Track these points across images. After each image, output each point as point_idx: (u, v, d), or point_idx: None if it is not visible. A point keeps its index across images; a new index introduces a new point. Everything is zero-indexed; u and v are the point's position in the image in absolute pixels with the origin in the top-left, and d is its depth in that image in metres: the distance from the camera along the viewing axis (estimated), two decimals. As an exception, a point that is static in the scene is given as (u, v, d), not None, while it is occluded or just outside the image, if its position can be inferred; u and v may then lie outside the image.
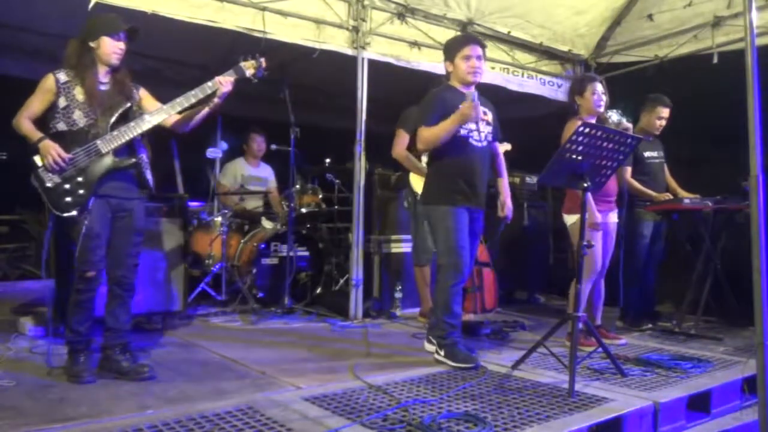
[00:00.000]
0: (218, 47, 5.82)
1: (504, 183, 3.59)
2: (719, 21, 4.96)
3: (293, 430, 2.23)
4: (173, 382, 2.85)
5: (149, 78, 5.58)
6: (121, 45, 2.95)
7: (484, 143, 3.40)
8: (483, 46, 3.41)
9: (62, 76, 2.91)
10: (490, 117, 3.45)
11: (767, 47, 4.04)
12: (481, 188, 3.39)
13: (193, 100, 2.98)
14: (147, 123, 2.95)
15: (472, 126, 3.31)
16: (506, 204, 3.53)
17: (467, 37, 3.65)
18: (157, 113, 2.96)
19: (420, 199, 3.59)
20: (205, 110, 3.07)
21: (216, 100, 3.03)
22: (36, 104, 2.90)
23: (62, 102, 2.89)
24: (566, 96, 5.77)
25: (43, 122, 2.92)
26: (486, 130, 3.41)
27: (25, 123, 2.88)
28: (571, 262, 3.90)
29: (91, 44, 2.92)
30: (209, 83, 3.00)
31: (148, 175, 3.10)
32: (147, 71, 5.73)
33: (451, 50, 3.42)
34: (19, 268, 6.35)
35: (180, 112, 3.03)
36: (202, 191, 5.47)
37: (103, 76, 2.98)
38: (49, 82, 2.90)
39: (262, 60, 3.13)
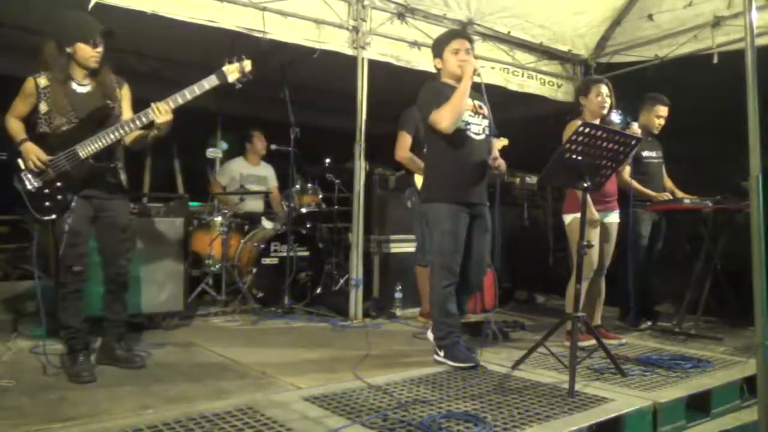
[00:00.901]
0: (218, 47, 5.81)
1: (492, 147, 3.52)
2: (719, 21, 4.96)
3: (293, 430, 2.23)
4: (173, 382, 2.84)
5: (149, 78, 5.60)
6: (99, 49, 2.92)
7: (482, 135, 3.38)
8: (470, 41, 3.40)
9: (42, 81, 2.90)
10: (485, 110, 3.41)
11: (767, 47, 4.04)
12: (482, 180, 3.36)
13: (139, 124, 2.92)
14: (123, 131, 2.91)
15: (469, 119, 3.30)
16: (496, 158, 3.40)
17: (454, 31, 3.61)
18: (129, 123, 2.91)
19: (419, 197, 3.56)
20: (149, 138, 3.02)
21: (154, 131, 2.95)
22: (20, 107, 2.92)
23: (43, 107, 2.88)
24: (566, 96, 5.80)
25: (28, 121, 2.94)
26: (483, 123, 3.39)
27: (13, 123, 2.90)
28: (570, 262, 3.89)
29: (68, 49, 2.89)
30: (145, 111, 2.90)
31: (123, 177, 3.12)
32: (147, 71, 5.73)
33: (439, 46, 3.40)
34: (19, 268, 6.34)
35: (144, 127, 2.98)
36: (202, 191, 5.47)
37: (82, 78, 2.97)
38: (29, 86, 2.90)
39: (247, 63, 3.03)
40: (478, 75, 3.20)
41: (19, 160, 2.86)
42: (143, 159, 6.37)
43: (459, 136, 3.26)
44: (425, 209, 3.39)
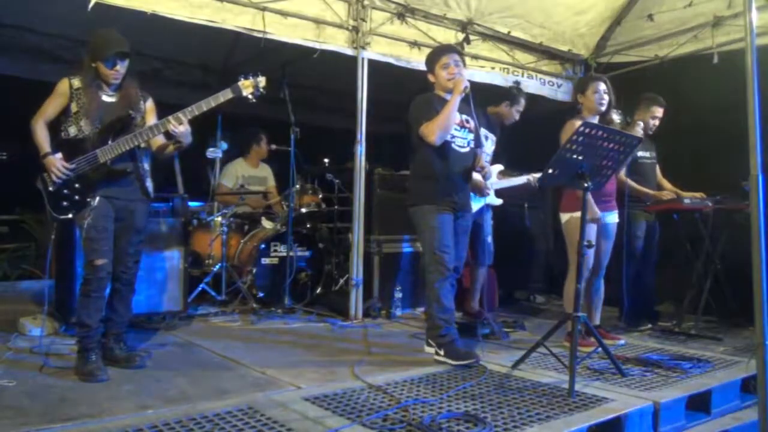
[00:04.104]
0: (218, 47, 5.82)
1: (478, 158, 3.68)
2: (719, 21, 4.96)
3: (293, 430, 2.23)
4: (173, 382, 2.84)
5: (149, 78, 5.60)
6: (117, 67, 3.06)
7: (467, 148, 3.56)
8: (460, 53, 3.58)
9: (76, 82, 3.06)
10: (472, 125, 3.58)
11: (767, 47, 4.04)
12: (464, 191, 3.56)
13: (157, 132, 3.07)
14: (141, 139, 3.05)
15: (455, 132, 3.47)
16: (483, 166, 3.66)
17: (443, 47, 3.80)
18: (148, 131, 3.06)
19: (405, 202, 3.63)
20: (173, 149, 3.19)
21: (177, 143, 3.10)
22: (51, 107, 3.05)
23: (74, 107, 3.04)
24: (566, 96, 5.80)
25: (56, 124, 3.06)
26: (468, 136, 3.56)
27: (39, 130, 3.02)
28: (566, 261, 3.87)
29: (93, 64, 3.06)
30: (162, 121, 3.05)
31: (148, 184, 3.22)
32: (147, 71, 5.73)
33: (430, 62, 3.58)
34: (19, 268, 6.34)
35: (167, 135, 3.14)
36: (202, 191, 5.46)
37: (108, 89, 3.12)
38: (63, 86, 3.05)
39: (262, 79, 3.17)
40: (468, 91, 3.36)
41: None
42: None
43: (443, 148, 3.44)
44: (412, 212, 3.52)
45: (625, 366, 3.16)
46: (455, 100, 3.35)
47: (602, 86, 3.72)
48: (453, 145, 3.48)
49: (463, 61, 3.56)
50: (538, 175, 4.27)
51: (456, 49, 3.61)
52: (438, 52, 3.59)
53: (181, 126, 3.01)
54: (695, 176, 4.78)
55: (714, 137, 4.79)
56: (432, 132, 3.35)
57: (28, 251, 6.59)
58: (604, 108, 3.72)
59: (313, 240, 5.30)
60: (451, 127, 3.42)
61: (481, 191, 4.13)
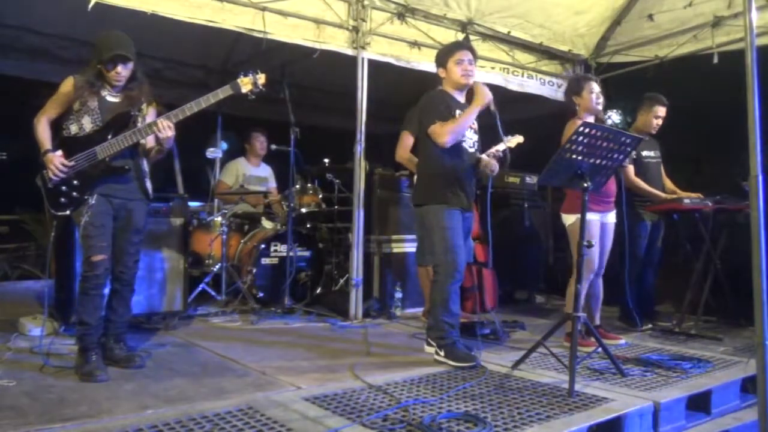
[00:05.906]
0: (218, 47, 5.83)
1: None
2: (719, 21, 4.96)
3: (293, 430, 2.23)
4: (173, 382, 2.84)
5: (149, 78, 5.59)
6: (118, 69, 3.06)
7: (473, 149, 3.54)
8: (474, 52, 3.54)
9: (80, 81, 3.06)
10: (476, 126, 3.56)
11: (767, 47, 4.04)
12: (470, 191, 3.51)
13: (149, 132, 3.06)
14: (140, 134, 3.05)
15: (465, 132, 3.43)
16: (489, 153, 3.57)
17: (458, 43, 3.79)
18: (139, 132, 3.06)
19: (412, 201, 3.62)
20: (156, 153, 3.19)
21: (162, 145, 3.11)
22: (54, 105, 3.07)
23: (76, 106, 3.05)
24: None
25: (59, 122, 3.08)
26: (474, 137, 3.55)
27: (41, 128, 3.04)
28: (570, 262, 3.87)
29: (98, 65, 3.07)
30: (147, 125, 3.06)
31: (147, 184, 3.23)
32: (147, 71, 5.72)
33: (443, 57, 3.53)
34: (19, 268, 6.35)
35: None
36: (202, 191, 5.47)
37: (112, 89, 3.13)
38: (68, 84, 3.06)
39: (261, 76, 3.16)
40: (494, 108, 3.34)
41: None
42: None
43: (455, 146, 3.40)
44: (421, 212, 3.47)
45: (625, 366, 3.16)
46: (475, 111, 3.33)
47: (596, 86, 3.76)
48: (464, 144, 3.45)
49: (475, 63, 3.52)
50: (501, 147, 4.05)
51: (471, 48, 3.56)
52: (453, 48, 3.54)
53: (168, 131, 3.00)
54: (695, 176, 4.79)
55: (714, 137, 4.79)
56: (445, 133, 3.30)
57: (28, 251, 6.59)
58: (601, 107, 3.75)
59: (313, 240, 5.30)
60: (463, 134, 3.40)
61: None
